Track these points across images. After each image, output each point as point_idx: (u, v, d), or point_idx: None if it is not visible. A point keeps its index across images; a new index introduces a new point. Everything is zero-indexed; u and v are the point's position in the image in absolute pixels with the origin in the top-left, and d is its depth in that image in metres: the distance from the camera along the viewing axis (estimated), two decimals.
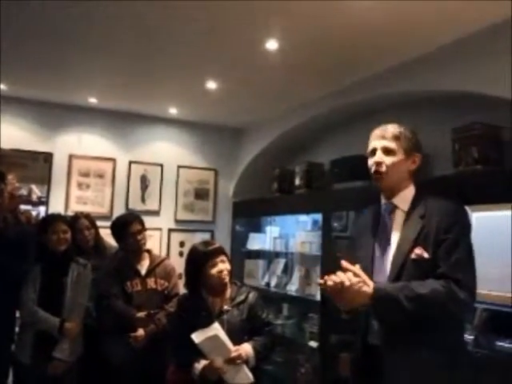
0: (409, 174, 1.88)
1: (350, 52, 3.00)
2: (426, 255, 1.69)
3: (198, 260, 2.45)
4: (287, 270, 4.46)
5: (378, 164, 1.84)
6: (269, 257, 4.70)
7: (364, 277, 1.65)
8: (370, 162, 1.89)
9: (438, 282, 1.62)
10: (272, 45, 2.89)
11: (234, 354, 2.28)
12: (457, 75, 2.78)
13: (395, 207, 1.87)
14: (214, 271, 2.40)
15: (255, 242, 4.83)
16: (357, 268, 1.67)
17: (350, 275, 1.64)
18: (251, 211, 4.87)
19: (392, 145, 1.83)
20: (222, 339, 2.29)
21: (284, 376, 3.96)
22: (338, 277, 1.64)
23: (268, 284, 4.41)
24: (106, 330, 2.91)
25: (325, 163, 4.06)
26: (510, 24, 2.44)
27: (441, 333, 1.66)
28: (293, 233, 4.35)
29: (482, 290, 2.29)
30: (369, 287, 1.63)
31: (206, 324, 2.33)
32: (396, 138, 1.84)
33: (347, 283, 1.62)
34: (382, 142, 1.85)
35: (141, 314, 2.85)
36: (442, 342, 1.65)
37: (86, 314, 2.93)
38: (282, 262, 4.52)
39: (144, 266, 3.02)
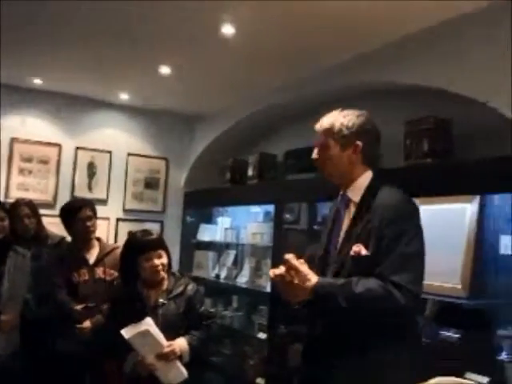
0: (353, 163, 1.76)
1: (308, 41, 2.96)
2: (363, 252, 1.60)
3: (134, 251, 2.35)
4: (237, 262, 4.42)
5: (314, 161, 1.82)
6: (219, 248, 4.65)
7: (306, 272, 1.58)
8: None
9: (377, 282, 1.53)
10: (228, 30, 2.81)
11: (166, 350, 2.19)
12: (413, 68, 2.81)
13: (349, 200, 1.78)
14: (148, 265, 2.30)
15: (206, 233, 4.75)
16: (299, 262, 1.59)
17: (297, 269, 1.58)
18: (203, 202, 4.79)
19: (323, 140, 1.77)
20: (154, 334, 2.18)
21: (232, 368, 3.93)
22: (280, 270, 1.59)
23: (218, 276, 4.35)
24: (47, 322, 2.77)
25: (278, 154, 4.04)
26: (467, 18, 2.49)
27: (386, 328, 1.57)
28: (244, 224, 4.31)
29: (433, 281, 2.33)
30: (310, 282, 1.56)
31: (140, 317, 2.22)
32: (327, 131, 1.77)
33: (288, 278, 1.57)
34: (317, 137, 1.80)
35: (79, 307, 2.72)
36: (387, 336, 1.58)
37: (24, 305, 2.78)
38: (232, 254, 4.47)
39: (93, 255, 2.90)
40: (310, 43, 2.99)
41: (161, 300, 2.32)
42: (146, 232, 2.44)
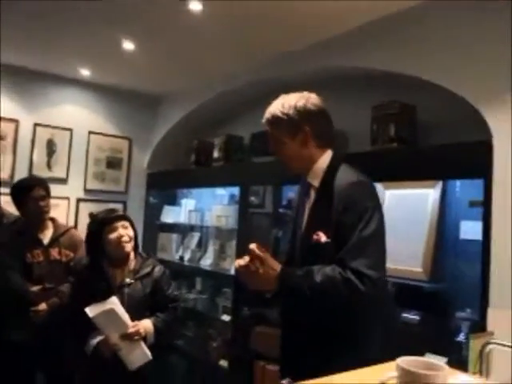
0: (307, 148, 1.68)
1: (277, 23, 2.91)
2: (323, 239, 1.56)
3: (97, 225, 2.30)
4: (202, 244, 4.39)
5: (273, 154, 1.78)
6: (183, 230, 4.60)
7: (271, 262, 1.56)
8: None
9: (336, 270, 1.50)
10: (195, 6, 2.73)
11: (131, 330, 2.16)
12: (378, 53, 2.81)
13: (310, 185, 1.71)
14: (113, 236, 2.26)
15: (169, 215, 4.69)
16: (263, 252, 1.56)
17: (262, 259, 1.55)
18: (167, 183, 4.72)
19: (272, 131, 1.71)
20: (119, 314, 2.16)
21: (196, 351, 3.92)
22: (245, 261, 1.55)
23: (182, 258, 4.31)
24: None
25: (245, 137, 3.99)
26: (431, 4, 2.50)
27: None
28: (209, 206, 4.27)
29: (396, 265, 2.38)
30: (275, 272, 1.53)
31: (106, 296, 2.19)
32: (272, 123, 1.71)
33: (253, 268, 1.53)
34: (269, 131, 1.74)
35: (35, 288, 2.64)
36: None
37: None
38: (196, 236, 4.44)
39: (47, 236, 2.80)
40: (275, 25, 2.95)
41: (127, 280, 2.29)
42: (111, 210, 2.43)
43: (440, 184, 2.53)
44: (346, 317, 1.56)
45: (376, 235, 1.54)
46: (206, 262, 4.07)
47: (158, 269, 2.40)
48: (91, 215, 2.41)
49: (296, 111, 1.68)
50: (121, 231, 2.28)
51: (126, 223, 2.33)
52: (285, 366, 1.76)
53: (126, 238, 2.28)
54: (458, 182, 2.50)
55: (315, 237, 1.58)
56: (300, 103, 1.69)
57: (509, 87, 2.17)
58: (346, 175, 1.63)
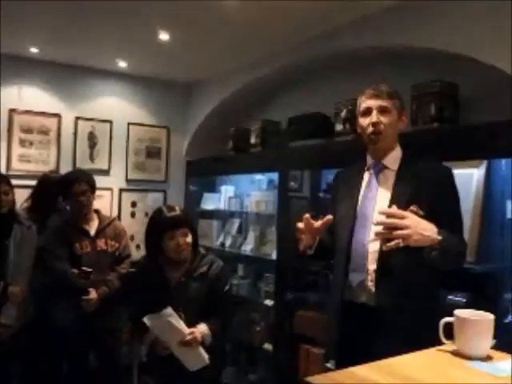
0: (397, 133, 1.90)
1: (309, 5, 2.87)
2: (421, 212, 1.67)
3: (158, 228, 2.29)
4: (242, 230, 4.42)
5: (376, 124, 1.81)
6: (223, 217, 4.65)
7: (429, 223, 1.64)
8: (365, 122, 1.85)
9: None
10: None
11: (188, 338, 2.16)
12: (416, 31, 2.74)
13: (384, 167, 1.87)
14: (171, 244, 2.24)
15: (209, 202, 4.75)
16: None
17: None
18: (205, 170, 4.77)
19: (388, 103, 1.82)
20: (175, 324, 2.16)
21: (240, 335, 3.98)
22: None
23: (223, 244, 4.37)
24: (50, 293, 2.79)
25: (281, 121, 3.98)
26: None
27: (427, 284, 1.80)
28: (248, 192, 4.29)
29: None
30: (435, 231, 1.61)
31: (162, 293, 2.23)
32: (390, 96, 1.83)
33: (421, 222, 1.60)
34: (378, 102, 1.82)
35: (74, 270, 2.72)
36: (427, 294, 1.79)
37: (32, 277, 2.79)
38: (236, 222, 4.47)
39: (93, 227, 2.90)
40: (310, 6, 2.90)
41: (183, 279, 2.28)
42: (171, 208, 2.33)
43: (484, 163, 2.46)
44: (430, 296, 1.81)
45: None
46: (247, 247, 4.11)
47: (216, 266, 2.35)
48: (152, 215, 2.37)
49: (401, 98, 1.90)
50: (179, 240, 2.23)
51: (186, 230, 2.27)
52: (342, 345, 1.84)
53: (184, 247, 2.25)
54: (503, 161, 2.42)
55: (413, 209, 1.67)
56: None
57: None
58: (431, 163, 1.88)
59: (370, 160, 1.94)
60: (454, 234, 1.68)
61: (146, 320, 2.15)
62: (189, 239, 2.27)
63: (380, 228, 1.61)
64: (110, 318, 2.82)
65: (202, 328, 2.22)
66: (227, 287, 2.38)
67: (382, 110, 1.81)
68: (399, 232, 1.55)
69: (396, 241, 1.57)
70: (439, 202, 1.73)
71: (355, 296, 1.81)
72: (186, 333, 2.16)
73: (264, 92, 4.38)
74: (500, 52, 2.32)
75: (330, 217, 1.79)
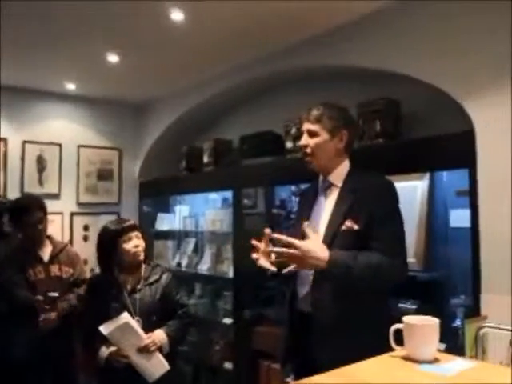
0: (338, 151, 1.94)
1: (258, 25, 2.96)
2: (355, 227, 1.79)
3: (112, 236, 2.36)
4: (198, 250, 4.42)
5: (303, 147, 1.94)
6: (178, 237, 4.63)
7: (316, 242, 1.74)
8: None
9: (379, 255, 1.73)
10: (177, 16, 2.77)
11: (146, 341, 2.21)
12: (359, 51, 2.88)
13: (331, 184, 1.96)
14: (128, 246, 2.33)
15: (164, 223, 4.72)
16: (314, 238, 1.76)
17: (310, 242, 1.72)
18: (159, 191, 4.74)
19: (314, 127, 1.91)
20: (133, 327, 2.20)
21: (199, 355, 3.96)
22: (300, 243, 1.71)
23: (179, 264, 4.35)
24: (5, 321, 2.69)
25: (233, 140, 4.04)
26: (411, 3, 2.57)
27: (367, 295, 1.81)
28: (202, 211, 4.31)
29: None
30: (325, 252, 1.71)
31: (118, 301, 2.28)
32: (317, 120, 1.91)
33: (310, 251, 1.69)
34: (306, 125, 1.94)
35: (40, 297, 2.66)
36: (370, 306, 1.81)
37: None
38: (192, 242, 4.47)
39: (46, 253, 2.83)
40: (257, 27, 2.99)
41: (138, 286, 2.36)
42: (121, 220, 2.54)
43: (427, 176, 2.59)
44: (373, 304, 1.80)
45: (403, 228, 1.85)
46: (204, 266, 4.11)
47: (166, 275, 2.47)
48: (103, 227, 2.46)
49: (341, 117, 1.94)
50: (135, 241, 2.36)
51: (139, 233, 2.41)
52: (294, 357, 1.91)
53: (140, 248, 2.37)
54: (444, 173, 2.57)
55: (348, 224, 1.79)
56: (344, 112, 1.98)
57: (489, 78, 2.24)
58: (370, 175, 1.93)
59: (320, 177, 2.03)
60: (385, 247, 1.75)
61: (102, 328, 2.17)
62: (142, 242, 2.41)
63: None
64: (69, 341, 2.76)
65: (159, 333, 2.29)
66: (178, 296, 2.49)
67: (311, 133, 1.93)
68: (290, 260, 1.73)
69: (291, 266, 1.76)
70: (374, 216, 1.79)
71: (302, 306, 1.90)
72: (144, 337, 2.21)
73: (215, 111, 4.43)
74: (436, 70, 2.47)
75: (267, 230, 1.85)
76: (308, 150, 1.92)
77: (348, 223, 1.79)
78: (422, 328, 1.21)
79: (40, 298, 2.64)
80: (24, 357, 2.63)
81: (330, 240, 1.81)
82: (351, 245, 1.77)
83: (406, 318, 1.26)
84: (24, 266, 2.72)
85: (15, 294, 2.64)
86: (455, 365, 1.18)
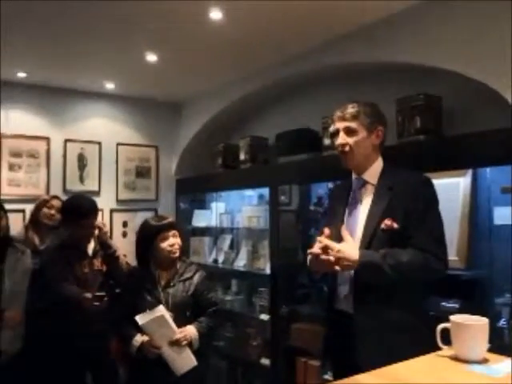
0: (374, 148, 1.93)
1: (294, 22, 2.96)
2: (395, 225, 1.77)
3: (149, 233, 2.44)
4: (233, 246, 4.45)
5: (342, 145, 1.90)
6: (215, 233, 4.67)
7: (351, 245, 1.75)
8: (335, 143, 1.96)
9: (415, 252, 1.72)
10: (216, 15, 2.80)
11: (178, 336, 2.27)
12: (395, 46, 2.84)
13: (365, 182, 1.94)
14: (164, 245, 2.40)
15: (200, 219, 4.77)
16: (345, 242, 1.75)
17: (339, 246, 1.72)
18: (195, 188, 4.80)
19: (352, 124, 1.89)
20: (168, 320, 2.27)
21: (236, 351, 3.99)
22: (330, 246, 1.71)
23: (216, 260, 4.39)
24: (47, 316, 2.77)
25: (270, 137, 4.04)
26: None
27: (407, 296, 1.79)
28: (239, 208, 4.33)
29: None
30: (356, 254, 1.71)
31: (152, 295, 2.35)
32: (355, 117, 1.89)
33: (340, 255, 1.70)
34: (343, 123, 1.91)
35: (87, 295, 2.74)
36: (407, 305, 1.78)
37: (29, 301, 2.78)
38: (228, 238, 4.50)
39: (90, 247, 2.91)
40: (294, 24, 2.99)
41: (172, 281, 2.43)
42: (160, 216, 2.61)
43: (470, 172, 2.53)
44: (411, 303, 1.78)
45: (442, 226, 1.83)
46: (240, 263, 4.13)
47: (199, 274, 2.52)
48: (143, 222, 2.53)
49: (376, 113, 1.94)
50: (172, 240, 2.42)
51: (176, 232, 2.47)
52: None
53: (176, 247, 2.43)
54: (488, 169, 2.50)
55: (387, 222, 1.77)
56: (377, 108, 1.96)
57: None
58: (407, 173, 1.91)
59: (353, 175, 2.00)
60: (422, 244, 1.74)
61: (138, 319, 2.25)
62: (179, 240, 2.47)
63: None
64: (107, 335, 2.84)
65: (190, 329, 2.35)
66: (210, 295, 2.55)
67: (349, 131, 1.90)
68: (325, 262, 1.71)
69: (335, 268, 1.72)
70: (413, 214, 1.77)
71: (343, 306, 1.89)
72: (176, 330, 2.28)
73: (251, 108, 4.45)
74: (478, 63, 2.41)
75: (326, 231, 1.82)
76: (347, 149, 1.89)
77: (388, 222, 1.78)
78: (471, 328, 1.20)
79: (88, 295, 2.72)
80: (67, 351, 2.71)
81: (369, 239, 1.80)
82: (390, 243, 1.76)
83: (453, 317, 1.24)
84: (71, 261, 2.80)
85: (63, 288, 2.72)
86: (505, 366, 1.16)
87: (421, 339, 1.52)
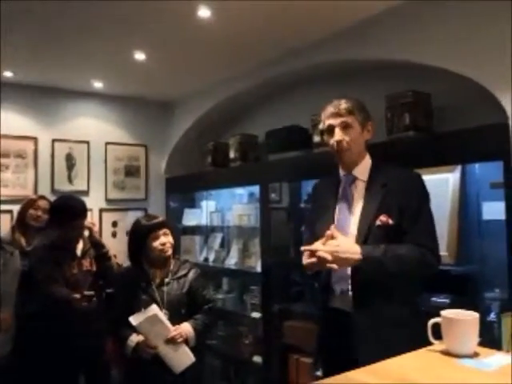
0: (365, 144, 1.94)
1: (283, 21, 2.95)
2: (390, 222, 1.77)
3: (141, 233, 2.44)
4: (224, 244, 4.45)
5: (339, 142, 1.86)
6: (205, 232, 4.66)
7: (351, 243, 1.74)
8: (329, 140, 1.91)
9: (412, 247, 1.73)
10: (204, 12, 2.78)
11: (173, 333, 2.27)
12: (386, 44, 2.84)
13: (355, 178, 1.92)
14: (156, 244, 2.40)
15: (191, 218, 4.76)
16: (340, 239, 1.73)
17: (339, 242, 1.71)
18: (185, 187, 4.79)
19: (349, 119, 1.86)
20: (161, 319, 2.27)
21: (228, 349, 3.99)
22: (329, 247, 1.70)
23: (206, 259, 4.38)
24: (38, 317, 2.75)
25: (259, 135, 4.04)
26: None
27: (404, 291, 1.81)
28: (229, 206, 4.33)
29: None
30: (358, 249, 1.70)
31: (146, 295, 2.35)
32: (350, 112, 1.87)
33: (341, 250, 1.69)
34: (339, 119, 1.87)
35: (76, 295, 2.72)
36: (403, 300, 1.80)
37: (18, 303, 2.76)
38: (219, 237, 4.50)
39: (78, 249, 2.89)
40: (283, 23, 2.98)
41: (166, 279, 2.43)
42: (151, 216, 2.60)
43: (459, 168, 2.55)
44: (406, 298, 1.80)
45: (434, 221, 1.83)
46: (231, 261, 4.13)
47: (194, 271, 2.53)
48: (135, 222, 2.53)
49: (365, 108, 1.93)
50: (163, 239, 2.42)
51: (167, 230, 2.46)
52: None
53: (168, 245, 2.43)
54: (476, 165, 2.52)
55: (383, 219, 1.77)
56: (363, 104, 1.94)
57: None
58: (398, 169, 1.91)
59: (341, 172, 1.98)
60: (417, 240, 1.75)
61: (131, 319, 2.25)
62: (171, 239, 2.46)
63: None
64: (99, 335, 2.82)
65: (186, 326, 2.35)
66: (205, 292, 2.55)
67: (345, 127, 1.86)
68: (323, 261, 1.68)
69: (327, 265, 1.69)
70: (407, 210, 1.78)
71: (339, 304, 1.87)
72: (171, 328, 2.28)
73: (241, 107, 4.44)
74: (468, 61, 2.43)
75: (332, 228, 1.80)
76: (345, 145, 1.86)
77: (383, 218, 1.78)
78: (462, 322, 1.20)
79: (77, 296, 2.70)
80: (59, 352, 2.69)
81: (365, 235, 1.79)
82: (385, 239, 1.76)
83: (444, 312, 1.25)
84: (60, 262, 2.78)
85: (53, 290, 2.70)
86: (495, 359, 1.16)
87: (417, 334, 1.52)
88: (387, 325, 1.73)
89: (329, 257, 1.67)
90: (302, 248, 1.77)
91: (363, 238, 1.79)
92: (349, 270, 1.80)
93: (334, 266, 1.68)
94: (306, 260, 1.76)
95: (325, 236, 1.75)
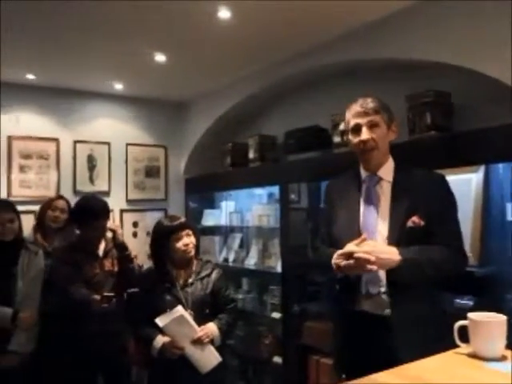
0: (389, 144, 1.91)
1: (301, 20, 2.95)
2: (422, 223, 1.76)
3: (164, 234, 2.45)
4: (244, 245, 4.45)
5: (367, 141, 1.83)
6: (224, 232, 4.67)
7: (385, 245, 1.74)
8: (355, 139, 1.87)
9: (442, 249, 1.74)
10: (224, 14, 2.79)
11: (200, 334, 2.28)
12: (405, 43, 2.82)
13: (380, 179, 1.89)
14: (179, 245, 2.41)
15: (210, 218, 4.77)
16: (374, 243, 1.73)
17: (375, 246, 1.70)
18: (204, 187, 4.80)
19: (376, 118, 1.84)
20: (188, 320, 2.28)
21: (247, 349, 4.00)
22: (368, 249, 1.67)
23: (226, 259, 4.39)
24: (60, 317, 2.79)
25: (277, 135, 4.04)
26: None
27: (432, 292, 1.83)
28: (248, 207, 4.33)
29: None
30: (396, 252, 1.69)
31: (170, 294, 2.36)
32: (377, 111, 1.84)
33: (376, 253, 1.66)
34: (366, 118, 1.84)
35: (96, 297, 2.73)
36: (432, 301, 1.82)
37: (43, 302, 2.79)
38: (238, 237, 4.50)
39: (100, 249, 2.91)
40: (301, 21, 2.97)
41: (189, 280, 2.45)
42: (173, 217, 2.59)
43: (482, 168, 2.51)
44: (433, 300, 1.82)
45: (459, 224, 1.84)
46: (251, 261, 4.13)
47: (217, 271, 2.55)
48: (157, 223, 2.54)
49: (389, 108, 1.91)
50: (185, 240, 2.44)
51: (190, 231, 2.48)
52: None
53: (190, 246, 2.45)
54: (500, 165, 2.48)
55: (415, 220, 1.76)
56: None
57: None
58: (424, 171, 1.90)
59: (364, 173, 1.94)
60: (447, 241, 1.76)
61: (158, 321, 2.27)
62: (193, 239, 2.48)
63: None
64: (119, 336, 2.84)
65: (211, 326, 2.37)
66: (228, 292, 2.58)
67: (372, 126, 1.84)
68: (363, 263, 1.65)
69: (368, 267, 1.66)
70: (435, 211, 1.77)
71: (367, 306, 1.82)
72: (197, 329, 2.29)
73: (259, 107, 4.44)
74: (488, 59, 2.39)
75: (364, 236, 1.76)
76: (372, 145, 1.83)
77: (415, 219, 1.76)
78: (489, 325, 1.19)
79: (97, 297, 2.72)
80: (78, 352, 2.72)
81: (397, 237, 1.76)
82: (416, 241, 1.74)
83: (471, 315, 1.24)
84: (80, 263, 2.80)
85: (72, 291, 2.72)
86: None
87: (444, 334, 1.50)
88: (421, 325, 1.72)
89: (372, 258, 1.63)
90: (340, 251, 1.72)
91: (395, 240, 1.76)
92: (381, 272, 1.77)
93: (375, 267, 1.64)
94: (342, 262, 1.71)
95: (358, 239, 1.72)
